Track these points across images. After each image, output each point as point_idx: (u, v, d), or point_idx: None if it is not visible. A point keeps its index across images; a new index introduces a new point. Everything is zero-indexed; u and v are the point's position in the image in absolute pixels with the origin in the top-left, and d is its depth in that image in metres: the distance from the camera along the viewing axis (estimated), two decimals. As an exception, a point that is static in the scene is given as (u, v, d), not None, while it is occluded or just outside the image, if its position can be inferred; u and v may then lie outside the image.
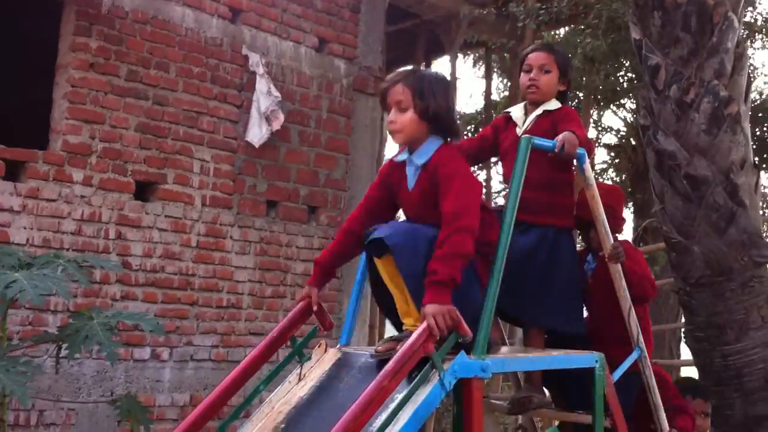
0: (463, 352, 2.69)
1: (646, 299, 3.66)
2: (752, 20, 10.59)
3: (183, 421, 2.79)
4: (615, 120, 16.49)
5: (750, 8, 10.65)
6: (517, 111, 3.48)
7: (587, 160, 3.24)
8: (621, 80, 10.00)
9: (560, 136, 3.08)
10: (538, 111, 3.39)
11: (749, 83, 4.69)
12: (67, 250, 5.43)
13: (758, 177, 4.65)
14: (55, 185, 5.51)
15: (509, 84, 11.14)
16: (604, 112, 11.58)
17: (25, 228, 5.35)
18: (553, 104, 3.39)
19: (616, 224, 3.62)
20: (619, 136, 11.55)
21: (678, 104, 4.52)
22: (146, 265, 5.86)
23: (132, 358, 5.74)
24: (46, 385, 5.24)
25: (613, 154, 11.60)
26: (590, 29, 8.58)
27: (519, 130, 3.37)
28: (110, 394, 5.52)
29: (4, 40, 7.82)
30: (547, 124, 3.31)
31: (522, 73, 3.45)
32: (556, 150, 3.06)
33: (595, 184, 3.27)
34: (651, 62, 4.63)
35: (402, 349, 2.57)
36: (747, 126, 4.60)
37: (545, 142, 3.07)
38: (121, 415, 4.45)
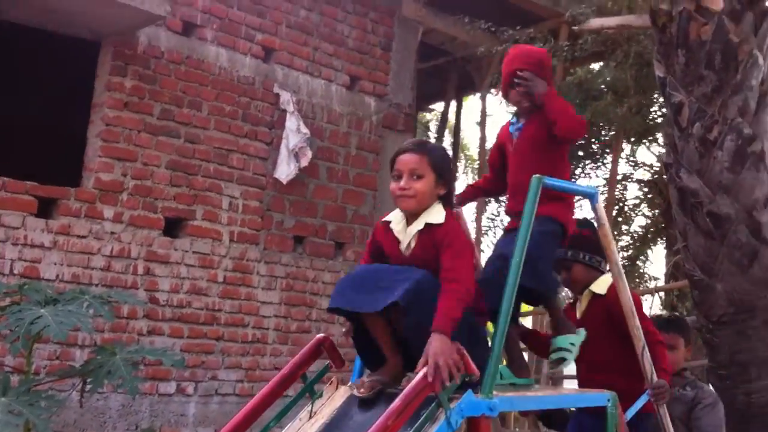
0: (470, 390, 2.68)
1: (574, 138, 3.49)
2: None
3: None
4: (648, 155, 16.40)
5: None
6: (396, 222, 3.00)
7: (599, 200, 3.23)
8: (652, 115, 9.96)
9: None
10: (419, 225, 2.92)
11: (774, 120, 4.66)
12: (96, 285, 5.53)
13: (783, 214, 4.59)
14: (86, 222, 5.62)
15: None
16: (637, 147, 11.51)
17: (55, 264, 5.46)
18: (435, 215, 2.92)
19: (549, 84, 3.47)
20: (652, 171, 11.46)
21: (701, 142, 4.51)
22: (173, 300, 5.94)
23: (157, 393, 5.80)
24: (72, 418, 5.32)
25: (645, 189, 11.51)
26: (617, 64, 8.59)
27: (402, 247, 2.96)
28: (135, 428, 5.58)
29: (41, 79, 8.05)
30: (429, 244, 2.91)
31: (391, 180, 2.95)
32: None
33: (606, 223, 3.26)
34: (674, 100, 4.62)
35: (408, 387, 2.58)
36: (771, 163, 4.57)
37: None
38: (144, 450, 4.49)
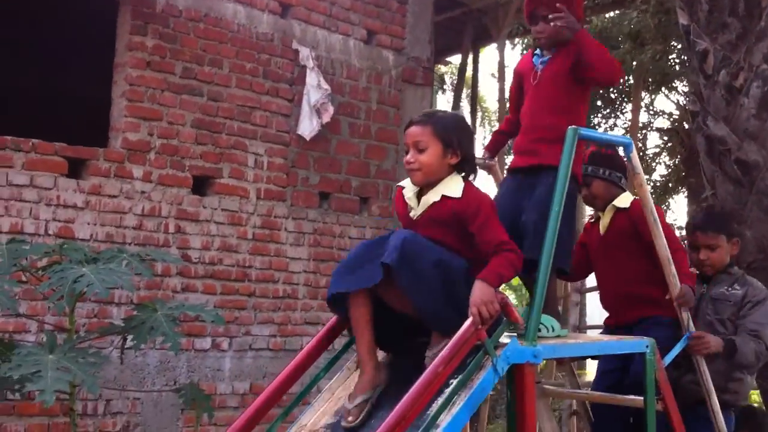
0: (515, 338, 2.77)
1: (611, 83, 3.54)
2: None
3: (247, 409, 2.91)
4: (667, 104, 16.30)
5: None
6: (408, 189, 3.01)
7: (633, 150, 3.27)
8: (671, 63, 9.90)
9: None
10: (436, 196, 2.90)
11: (800, 66, 4.67)
12: (129, 244, 5.62)
13: (811, 160, 4.62)
14: (116, 181, 5.70)
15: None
16: (655, 95, 11.46)
17: (88, 224, 5.55)
18: (453, 187, 2.89)
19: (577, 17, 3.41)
20: (671, 119, 11.43)
21: (727, 89, 4.53)
22: (205, 257, 6.04)
23: (193, 349, 5.92)
24: (111, 375, 5.45)
25: (666, 137, 11.48)
26: (638, 12, 8.53)
27: (412, 213, 2.96)
28: (173, 383, 5.72)
29: (63, 40, 8.07)
30: (444, 214, 2.88)
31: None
32: None
33: (642, 172, 3.30)
34: (699, 47, 4.64)
35: (455, 336, 2.66)
36: (798, 109, 4.59)
37: None
38: (186, 403, 4.61)
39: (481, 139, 17.91)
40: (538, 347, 2.78)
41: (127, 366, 5.49)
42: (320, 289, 6.62)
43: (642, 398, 3.17)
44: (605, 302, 3.95)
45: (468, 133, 3.01)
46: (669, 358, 3.34)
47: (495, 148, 3.83)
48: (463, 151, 2.92)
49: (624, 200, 3.76)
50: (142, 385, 5.66)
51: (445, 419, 2.56)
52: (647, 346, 3.11)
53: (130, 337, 4.36)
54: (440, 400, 2.61)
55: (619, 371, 3.68)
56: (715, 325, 3.72)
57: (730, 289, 3.82)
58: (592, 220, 3.97)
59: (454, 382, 2.65)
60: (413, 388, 2.50)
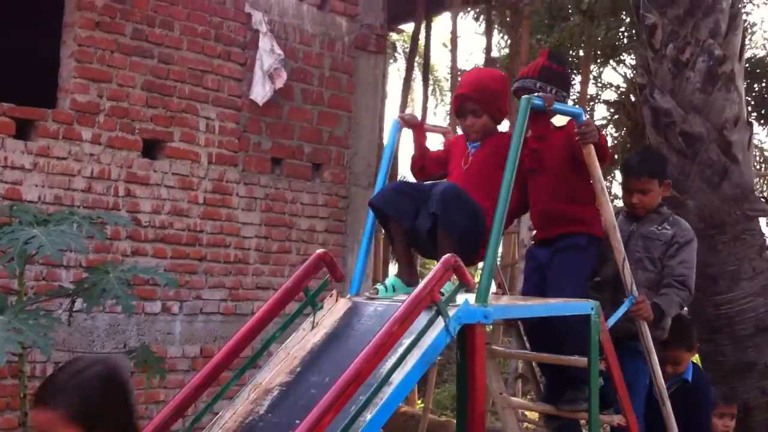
0: (467, 299, 2.85)
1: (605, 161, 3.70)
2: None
3: (201, 370, 2.95)
4: (615, 76, 16.56)
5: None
6: None
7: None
8: (621, 36, 10.06)
9: None
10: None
11: (744, 42, 4.81)
12: (78, 207, 5.56)
13: (751, 133, 4.78)
14: (64, 143, 5.62)
15: (509, 41, 11.22)
16: (603, 68, 11.65)
17: (36, 186, 5.48)
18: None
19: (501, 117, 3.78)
20: (618, 92, 11.63)
21: (674, 63, 4.65)
22: (155, 221, 6.01)
23: (143, 312, 5.91)
24: (60, 338, 5.41)
25: (612, 110, 11.69)
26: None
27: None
28: (123, 346, 5.70)
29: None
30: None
31: None
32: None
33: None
34: (648, 21, 4.74)
35: (410, 297, 2.73)
36: (741, 84, 4.74)
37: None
38: (137, 366, 4.62)
39: (433, 107, 17.99)
40: (489, 308, 2.86)
41: (75, 329, 5.47)
42: (271, 254, 6.64)
43: (585, 359, 3.29)
44: (533, 218, 4.08)
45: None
46: (611, 321, 3.46)
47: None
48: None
49: (561, 119, 3.81)
50: (91, 348, 5.64)
51: (397, 377, 2.64)
52: (592, 308, 3.22)
53: (79, 300, 4.35)
54: (393, 359, 2.68)
55: (538, 272, 3.86)
56: (644, 262, 3.82)
57: (660, 228, 3.92)
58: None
59: (407, 341, 2.72)
60: (367, 347, 2.57)
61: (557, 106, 3.37)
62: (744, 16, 11.08)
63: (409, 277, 3.45)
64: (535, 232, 4.16)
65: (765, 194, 11.48)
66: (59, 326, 4.94)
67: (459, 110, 3.71)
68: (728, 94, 4.58)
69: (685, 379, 4.22)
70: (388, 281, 3.45)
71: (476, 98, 3.60)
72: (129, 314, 4.19)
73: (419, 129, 3.91)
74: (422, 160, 3.89)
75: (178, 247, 6.12)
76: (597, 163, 3.43)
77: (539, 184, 3.85)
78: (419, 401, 10.74)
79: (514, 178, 3.04)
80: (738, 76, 4.65)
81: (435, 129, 4.30)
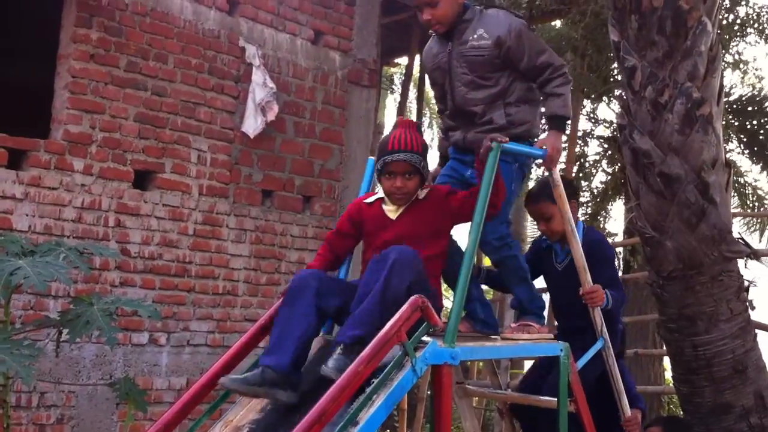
0: (434, 340, 2.90)
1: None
2: (744, 15, 10.74)
3: (176, 403, 3.00)
4: (608, 112, 16.66)
5: (743, 2, 10.80)
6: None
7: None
8: (612, 73, 10.17)
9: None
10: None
11: (722, 85, 4.87)
12: (68, 237, 5.64)
13: (730, 175, 4.83)
14: (56, 173, 5.70)
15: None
16: (597, 104, 11.74)
17: (27, 215, 5.55)
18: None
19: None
20: (611, 127, 11.71)
21: (653, 105, 4.70)
22: (144, 252, 6.07)
23: (130, 343, 5.95)
24: (47, 368, 5.46)
25: (606, 145, 11.77)
26: (572, 23, 8.78)
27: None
28: (109, 377, 5.74)
29: (5, 27, 7.99)
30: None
31: None
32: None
33: (561, 185, 3.47)
34: (628, 64, 4.80)
35: (377, 337, 2.78)
36: (719, 126, 4.79)
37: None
38: (120, 397, 4.65)
39: (429, 140, 18.11)
40: (456, 349, 2.92)
41: (62, 359, 5.51)
42: (260, 286, 6.70)
43: (555, 400, 3.33)
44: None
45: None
46: (582, 362, 3.51)
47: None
48: None
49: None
50: (77, 379, 5.68)
51: (363, 417, 2.68)
52: (561, 350, 3.27)
53: (65, 331, 4.39)
54: (361, 398, 2.73)
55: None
56: (476, 81, 3.72)
57: (475, 37, 3.69)
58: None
59: (375, 381, 2.77)
60: (333, 387, 2.62)
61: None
62: (737, 56, 11.23)
63: None
64: None
65: (757, 233, 11.51)
66: (45, 356, 4.99)
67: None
68: (706, 136, 4.63)
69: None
70: None
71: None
72: (111, 346, 4.23)
73: None
74: None
75: (167, 278, 6.17)
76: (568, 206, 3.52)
77: None
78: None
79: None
80: (716, 119, 4.70)
81: None
